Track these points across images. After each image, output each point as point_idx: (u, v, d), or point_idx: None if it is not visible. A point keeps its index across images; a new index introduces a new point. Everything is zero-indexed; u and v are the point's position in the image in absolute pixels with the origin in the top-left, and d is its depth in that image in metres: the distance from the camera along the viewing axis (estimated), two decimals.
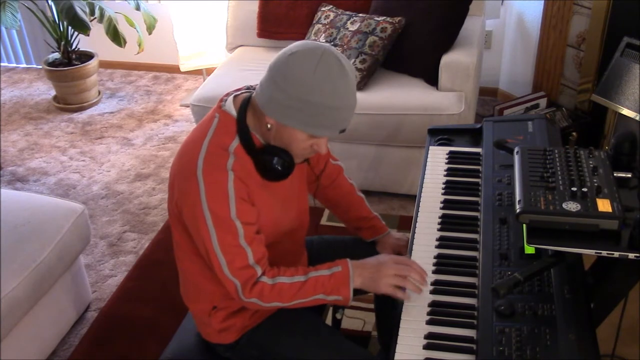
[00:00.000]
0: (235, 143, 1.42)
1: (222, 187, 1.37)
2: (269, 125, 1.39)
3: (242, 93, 1.49)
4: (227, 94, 1.49)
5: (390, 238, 1.81)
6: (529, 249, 1.42)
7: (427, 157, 1.92)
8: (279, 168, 1.42)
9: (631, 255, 1.19)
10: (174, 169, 1.47)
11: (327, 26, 3.15)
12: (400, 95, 2.90)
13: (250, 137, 1.42)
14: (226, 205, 1.37)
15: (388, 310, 1.73)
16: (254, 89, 1.49)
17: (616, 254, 1.20)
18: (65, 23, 3.88)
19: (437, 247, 1.59)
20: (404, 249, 1.76)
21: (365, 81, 2.98)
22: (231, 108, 1.45)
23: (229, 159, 1.39)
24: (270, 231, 1.50)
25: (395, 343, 1.34)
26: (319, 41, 3.11)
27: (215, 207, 1.37)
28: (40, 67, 4.52)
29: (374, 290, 1.49)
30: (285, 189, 1.53)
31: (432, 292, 1.46)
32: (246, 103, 1.44)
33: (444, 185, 1.80)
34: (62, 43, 4.05)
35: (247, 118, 1.43)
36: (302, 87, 1.31)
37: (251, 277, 1.42)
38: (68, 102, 4.15)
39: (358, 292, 1.52)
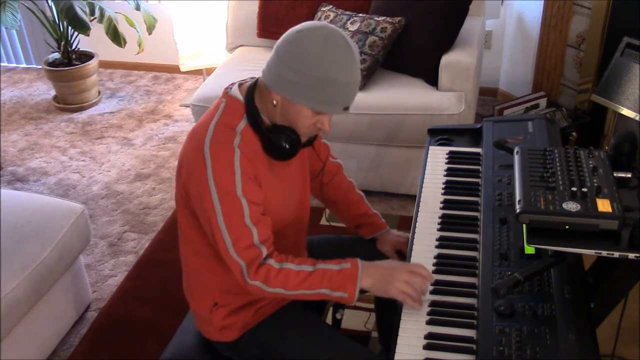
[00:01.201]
0: (243, 124, 1.45)
1: (229, 163, 1.39)
2: (274, 102, 1.42)
3: (247, 82, 1.52)
4: (233, 83, 1.52)
5: (390, 235, 1.81)
6: (529, 249, 1.42)
7: (427, 157, 1.92)
8: (287, 146, 1.44)
9: (631, 255, 1.19)
10: (182, 152, 1.49)
11: None
12: (400, 95, 2.90)
13: (259, 117, 1.45)
14: (232, 180, 1.39)
15: (388, 310, 1.72)
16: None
17: (616, 254, 1.20)
18: (65, 23, 3.88)
19: (437, 247, 1.59)
20: (404, 246, 1.76)
21: (365, 81, 2.98)
22: (237, 93, 1.48)
23: (235, 137, 1.42)
24: (276, 217, 1.50)
25: (395, 343, 1.34)
26: None
27: (222, 182, 1.38)
28: (40, 67, 4.52)
29: (383, 294, 1.46)
30: (290, 175, 1.56)
31: (432, 292, 1.46)
32: (253, 87, 1.47)
33: (444, 185, 1.80)
34: (62, 43, 4.05)
35: (254, 100, 1.46)
36: (310, 63, 1.34)
37: (256, 257, 1.42)
38: (68, 102, 4.15)
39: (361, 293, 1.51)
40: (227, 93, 1.50)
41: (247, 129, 1.45)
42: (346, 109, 1.42)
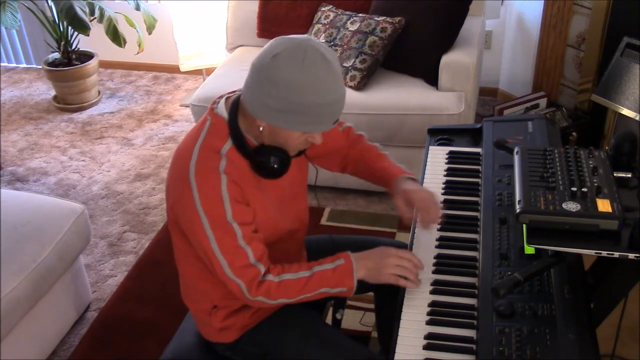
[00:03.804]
0: (228, 146, 1.41)
1: (216, 191, 1.36)
2: (261, 128, 1.39)
3: (234, 95, 1.48)
4: (220, 97, 1.49)
5: (400, 186, 1.63)
6: (529, 249, 1.42)
7: (427, 157, 1.92)
8: (276, 166, 1.42)
9: (631, 255, 1.19)
10: (169, 173, 1.47)
11: (327, 26, 3.15)
12: (400, 95, 2.90)
13: (244, 140, 1.42)
14: (222, 208, 1.37)
15: (388, 311, 1.72)
16: None
17: (616, 254, 1.20)
18: (65, 23, 3.88)
19: (437, 247, 1.59)
20: (414, 198, 1.58)
21: (365, 81, 2.98)
22: (223, 111, 1.44)
23: (220, 161, 1.39)
24: (269, 232, 1.50)
25: (395, 343, 1.34)
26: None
27: (211, 211, 1.36)
28: (40, 67, 4.52)
29: (376, 281, 1.49)
30: (281, 190, 1.53)
31: (432, 292, 1.46)
32: (236, 105, 1.43)
33: (444, 185, 1.79)
34: (62, 43, 4.05)
35: (238, 120, 1.43)
36: (291, 90, 1.29)
37: (255, 276, 1.42)
38: (68, 102, 4.15)
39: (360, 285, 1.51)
40: (212, 110, 1.46)
41: (233, 150, 1.41)
42: (336, 122, 1.39)
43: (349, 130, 1.75)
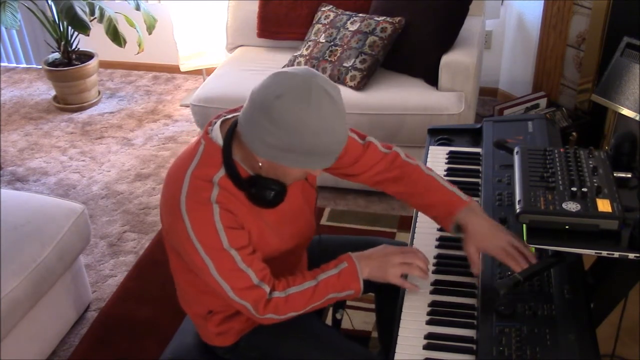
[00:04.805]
0: (221, 174, 1.37)
1: (209, 222, 1.33)
2: (260, 164, 1.35)
3: (232, 117, 1.44)
4: (218, 116, 1.45)
5: (469, 228, 1.46)
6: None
7: (427, 157, 1.93)
8: (270, 198, 1.38)
9: (631, 255, 1.20)
10: (161, 195, 1.44)
11: (327, 26, 3.15)
12: (400, 95, 2.90)
13: (237, 172, 1.37)
14: (216, 237, 1.34)
15: (388, 310, 1.72)
16: None
17: (616, 254, 1.20)
18: (65, 23, 3.88)
19: (437, 247, 1.59)
20: (488, 247, 1.45)
21: (365, 81, 2.98)
22: (218, 136, 1.40)
23: (212, 191, 1.35)
24: (268, 252, 1.47)
25: (395, 343, 1.34)
26: (319, 41, 3.11)
27: (206, 241, 1.34)
28: (40, 67, 4.52)
29: (382, 280, 1.47)
30: (281, 214, 1.48)
31: (432, 292, 1.46)
32: (231, 132, 1.39)
33: None
34: (62, 43, 4.05)
35: (233, 149, 1.38)
36: (297, 132, 1.24)
37: (261, 296, 1.40)
38: (68, 102, 4.15)
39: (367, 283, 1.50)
40: (207, 134, 1.41)
41: (226, 178, 1.37)
42: (337, 156, 1.35)
43: (369, 145, 1.64)
